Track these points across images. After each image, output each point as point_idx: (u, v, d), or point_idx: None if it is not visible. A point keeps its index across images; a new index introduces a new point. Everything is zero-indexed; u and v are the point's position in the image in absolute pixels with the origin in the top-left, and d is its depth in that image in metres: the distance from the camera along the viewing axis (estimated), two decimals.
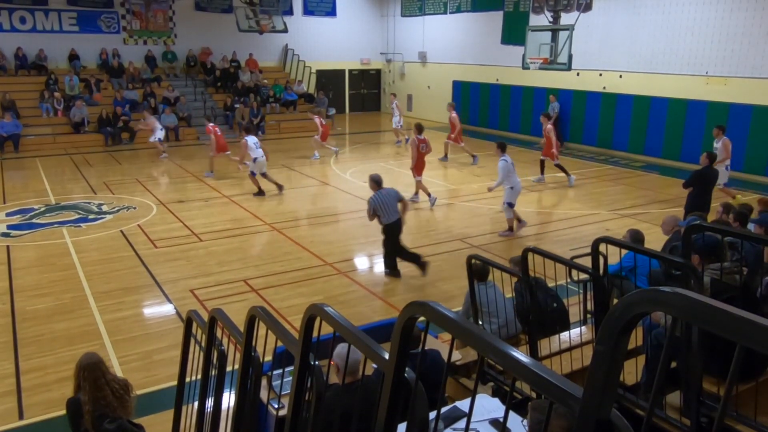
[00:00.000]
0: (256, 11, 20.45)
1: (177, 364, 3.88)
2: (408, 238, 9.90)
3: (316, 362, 2.13)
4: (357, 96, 27.53)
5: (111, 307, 7.16)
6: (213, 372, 3.11)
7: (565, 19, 17.51)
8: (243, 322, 2.66)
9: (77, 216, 10.99)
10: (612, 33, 17.28)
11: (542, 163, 13.94)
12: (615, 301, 4.76)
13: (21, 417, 5.10)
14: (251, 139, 12.52)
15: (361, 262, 9.07)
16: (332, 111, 23.14)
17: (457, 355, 4.89)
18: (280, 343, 2.31)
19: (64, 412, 4.03)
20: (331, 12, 25.49)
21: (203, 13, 22.85)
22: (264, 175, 12.59)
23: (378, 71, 27.59)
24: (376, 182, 8.39)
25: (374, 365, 3.50)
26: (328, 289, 7.80)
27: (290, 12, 24.08)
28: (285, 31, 21.87)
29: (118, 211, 11.34)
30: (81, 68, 20.69)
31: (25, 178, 14.22)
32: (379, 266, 8.91)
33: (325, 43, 25.26)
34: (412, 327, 1.55)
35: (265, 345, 2.47)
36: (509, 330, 5.33)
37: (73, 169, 15.26)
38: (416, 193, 12.24)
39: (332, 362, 3.33)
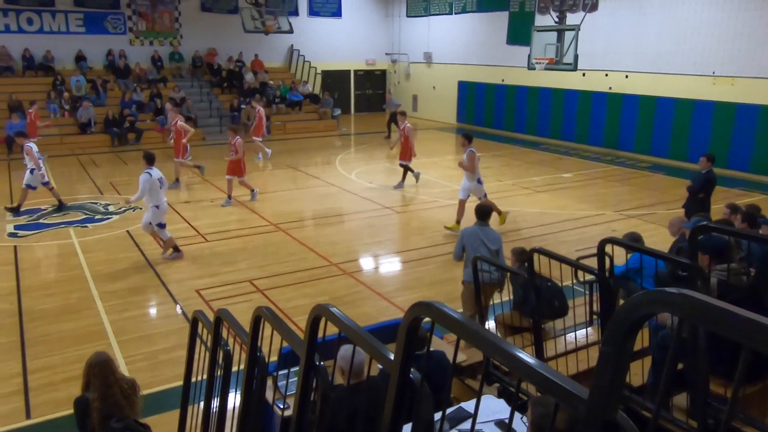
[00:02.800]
0: (262, 12, 20.51)
1: (183, 364, 3.89)
2: (413, 237, 9.91)
3: (321, 363, 2.13)
4: (362, 97, 27.54)
5: (117, 307, 7.19)
6: (219, 372, 3.12)
7: (571, 19, 17.50)
8: (248, 323, 2.67)
9: (84, 216, 11.04)
10: (618, 33, 17.23)
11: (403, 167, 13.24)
12: (621, 302, 4.75)
13: (28, 416, 5.13)
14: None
15: (366, 263, 9.07)
16: (338, 111, 23.18)
17: (462, 356, 4.88)
18: (285, 344, 2.32)
19: (70, 411, 4.05)
20: (337, 12, 25.52)
21: (209, 14, 22.92)
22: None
23: (383, 72, 27.60)
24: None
25: (380, 366, 3.50)
26: (333, 289, 7.81)
27: (296, 13, 24.12)
28: (290, 31, 21.92)
29: (124, 211, 11.38)
30: (88, 69, 20.80)
31: None
32: (384, 266, 8.92)
33: (331, 44, 25.30)
34: (417, 327, 1.55)
35: (271, 345, 2.47)
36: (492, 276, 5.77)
37: (79, 170, 15.33)
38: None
39: (338, 365, 3.33)
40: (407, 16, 25.81)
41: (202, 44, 22.97)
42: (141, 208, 11.51)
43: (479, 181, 10.13)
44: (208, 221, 10.75)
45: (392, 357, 1.61)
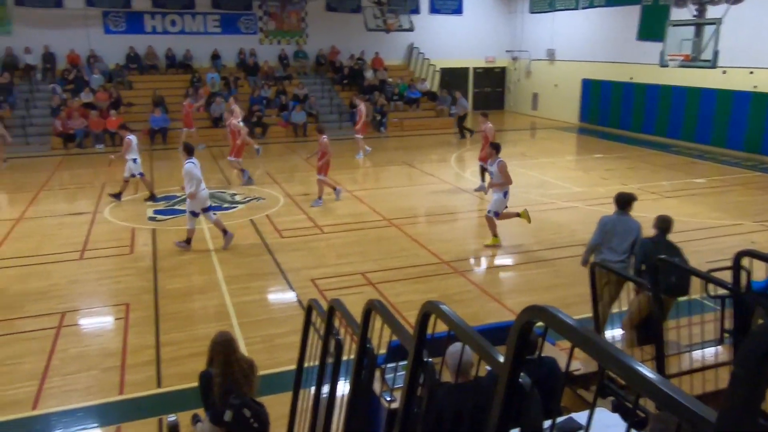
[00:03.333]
0: (384, 10, 20.83)
1: (297, 350, 4.06)
2: (527, 239, 9.65)
3: (429, 359, 2.14)
4: (480, 94, 27.21)
5: (239, 291, 7.64)
6: (329, 360, 3.23)
7: (712, 12, 16.17)
8: (360, 314, 2.73)
9: (213, 204, 11.81)
10: (765, 26, 15.70)
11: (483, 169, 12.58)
12: (759, 321, 4.34)
13: (159, 385, 5.59)
14: None
15: (477, 263, 8.97)
16: (455, 110, 23.06)
17: (576, 365, 4.69)
18: (394, 337, 2.35)
19: (195, 384, 4.37)
20: (458, 10, 25.38)
21: (334, 14, 23.66)
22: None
23: (503, 69, 27.10)
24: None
25: (488, 367, 3.45)
26: (443, 287, 7.80)
27: (417, 11, 24.28)
28: (411, 29, 22.09)
29: (249, 201, 12.06)
30: (222, 67, 22.24)
31: (171, 168, 15.51)
32: (496, 267, 8.77)
33: (450, 42, 25.22)
34: (529, 331, 1.51)
35: (381, 338, 2.52)
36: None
37: (211, 161, 16.43)
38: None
39: (445, 362, 3.33)
40: (530, 12, 25.14)
41: (326, 43, 23.76)
42: (264, 198, 12.15)
43: (505, 195, 9.24)
44: (325, 214, 11.12)
45: (502, 359, 1.58)
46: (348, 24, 23.51)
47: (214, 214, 9.51)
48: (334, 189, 12.01)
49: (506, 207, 9.39)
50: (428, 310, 2.01)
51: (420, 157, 16.99)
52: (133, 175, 12.02)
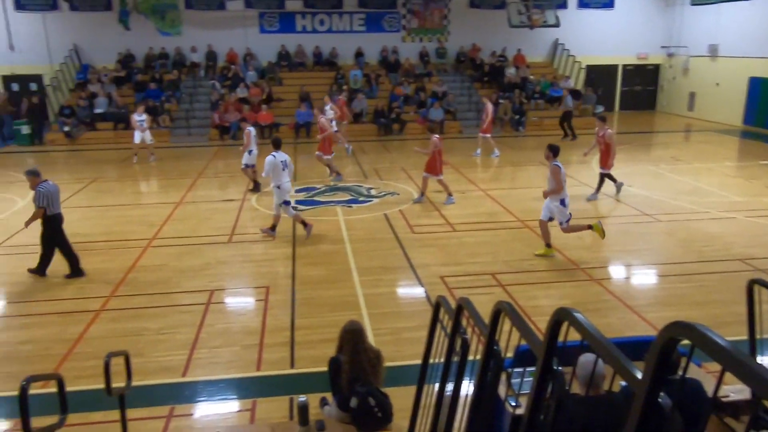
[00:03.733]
0: (529, 6, 20.30)
1: (423, 345, 4.09)
2: (675, 250, 8.95)
3: (559, 368, 2.06)
4: (629, 93, 25.63)
5: (370, 283, 7.85)
6: (455, 358, 3.21)
7: None
8: (487, 315, 2.69)
9: (350, 197, 12.25)
10: None
11: (603, 177, 12.09)
12: None
13: (292, 366, 5.91)
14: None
15: (617, 271, 8.48)
16: (600, 109, 21.92)
17: (725, 390, 4.28)
18: (523, 342, 2.28)
19: (325, 368, 4.56)
20: (609, 4, 24.08)
21: (476, 10, 23.46)
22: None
23: (656, 66, 25.30)
24: None
25: (623, 383, 3.24)
26: (578, 294, 7.47)
27: (564, 5, 23.39)
28: (557, 25, 21.33)
29: (384, 195, 12.34)
30: (364, 64, 22.93)
31: (312, 161, 16.26)
32: (638, 278, 8.23)
33: (599, 37, 23.99)
34: (672, 349, 1.39)
35: (509, 341, 2.46)
36: None
37: (350, 155, 17.01)
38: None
39: (576, 373, 3.19)
40: (692, 4, 23.19)
41: (467, 40, 23.64)
42: (398, 193, 12.37)
43: (563, 203, 8.61)
44: (457, 212, 11.08)
45: (640, 376, 1.48)
46: (490, 20, 23.19)
47: (294, 209, 9.89)
48: (421, 194, 11.77)
49: (570, 216, 8.72)
50: (561, 317, 1.93)
51: (559, 158, 16.31)
52: (247, 166, 12.75)
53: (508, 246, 9.23)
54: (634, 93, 25.68)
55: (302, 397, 4.07)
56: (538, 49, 24.15)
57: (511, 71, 22.69)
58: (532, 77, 22.65)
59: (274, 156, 9.46)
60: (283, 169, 9.49)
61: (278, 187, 9.48)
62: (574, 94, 22.34)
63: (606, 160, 11.86)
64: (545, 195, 8.76)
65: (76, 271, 8.18)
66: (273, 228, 9.78)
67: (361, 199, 12.14)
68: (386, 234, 9.89)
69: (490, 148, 16.53)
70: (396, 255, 8.92)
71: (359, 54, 23.10)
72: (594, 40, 23.98)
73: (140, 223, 10.66)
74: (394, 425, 4.27)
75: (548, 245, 8.80)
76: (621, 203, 11.54)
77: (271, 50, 22.81)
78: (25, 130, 19.43)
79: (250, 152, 12.69)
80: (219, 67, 22.44)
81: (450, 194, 11.65)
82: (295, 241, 9.55)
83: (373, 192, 12.68)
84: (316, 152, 14.04)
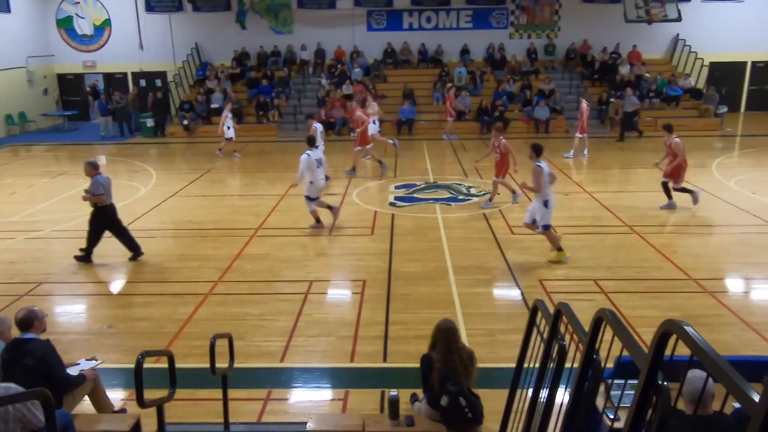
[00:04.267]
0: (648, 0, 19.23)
1: (517, 348, 3.99)
2: None
3: (665, 383, 1.93)
4: (758, 93, 23.62)
5: (466, 282, 7.77)
6: (551, 365, 3.11)
7: None
8: (587, 322, 2.58)
9: (449, 195, 12.19)
10: None
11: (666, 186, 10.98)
12: None
13: (384, 360, 5.98)
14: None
15: (734, 284, 7.85)
16: (724, 109, 20.38)
17: None
18: (625, 353, 2.17)
19: (416, 365, 4.57)
20: None
21: (589, 5, 22.52)
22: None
23: None
24: None
25: (735, 405, 3.00)
26: (688, 306, 6.99)
27: None
28: (678, 19, 20.09)
29: (483, 194, 12.16)
30: (469, 61, 22.70)
31: (413, 158, 16.36)
32: (758, 293, 7.59)
33: (725, 32, 22.25)
34: None
35: (609, 351, 2.35)
36: None
37: (451, 153, 16.94)
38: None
39: (684, 389, 2.99)
40: None
41: (578, 36, 22.77)
42: (499, 193, 12.15)
43: (546, 204, 8.23)
44: (560, 214, 10.67)
45: (757, 399, 1.36)
46: (605, 15, 22.20)
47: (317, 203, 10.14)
48: (513, 192, 11.52)
49: (548, 224, 8.42)
50: (669, 329, 1.81)
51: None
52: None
53: (613, 251, 8.81)
54: (763, 92, 23.64)
55: (393, 392, 4.10)
56: (655, 45, 22.80)
57: (626, 69, 21.59)
58: (647, 75, 21.43)
59: (309, 154, 9.76)
60: (318, 167, 9.82)
61: (311, 183, 9.82)
62: (694, 93, 20.91)
63: (674, 171, 10.77)
64: (523, 187, 8.89)
65: (136, 252, 8.74)
66: (318, 221, 10.14)
67: (460, 197, 12.04)
68: (484, 234, 9.75)
69: (582, 149, 15.91)
70: (494, 255, 8.77)
71: (465, 51, 22.90)
72: (720, 34, 22.29)
73: (248, 213, 11.19)
74: (484, 427, 4.20)
75: (559, 249, 8.41)
76: (743, 212, 10.67)
77: (377, 48, 23.15)
78: (150, 123, 20.99)
79: (317, 148, 12.98)
80: (326, 65, 23.06)
81: (491, 199, 11.46)
82: (393, 237, 9.64)
83: (472, 191, 12.54)
84: (355, 147, 14.13)
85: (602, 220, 10.37)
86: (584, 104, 16.15)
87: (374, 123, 15.60)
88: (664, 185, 10.93)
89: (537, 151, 8.40)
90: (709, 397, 3.12)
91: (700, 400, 2.69)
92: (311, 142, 10.20)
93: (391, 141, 15.87)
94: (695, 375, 3.02)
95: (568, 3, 22.72)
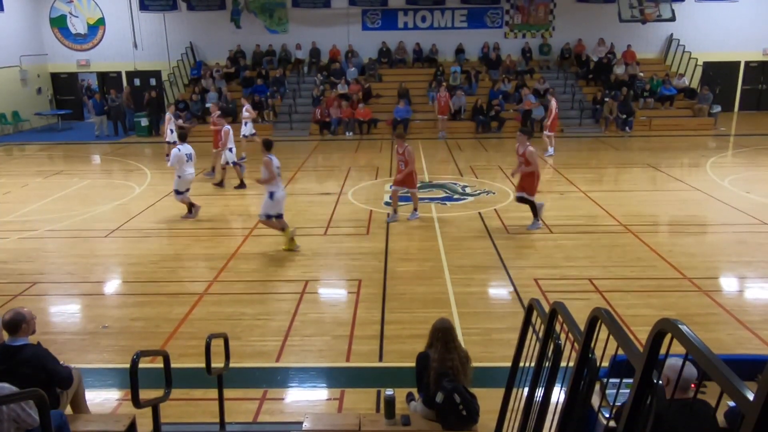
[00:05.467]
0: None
1: (513, 347, 4.00)
2: None
3: (660, 381, 1.94)
4: (752, 92, 23.75)
5: (461, 281, 7.78)
6: (546, 364, 3.12)
7: None
8: (582, 321, 2.59)
9: (444, 194, 12.20)
10: None
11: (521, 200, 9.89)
12: None
13: (380, 359, 5.98)
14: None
15: (728, 284, 7.89)
16: (717, 108, 20.46)
17: None
18: (620, 352, 2.18)
19: (412, 364, 4.57)
20: None
21: (584, 5, 22.59)
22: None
23: None
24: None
25: (730, 403, 3.02)
26: (683, 305, 7.02)
27: None
28: (672, 19, 20.16)
29: (479, 194, 12.18)
30: (464, 61, 22.72)
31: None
32: (753, 292, 7.62)
33: (719, 32, 22.36)
34: None
35: (604, 350, 2.35)
36: None
37: (446, 152, 16.95)
38: None
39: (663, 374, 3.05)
40: None
41: (573, 35, 22.83)
42: (494, 192, 12.17)
43: (271, 196, 8.68)
44: (555, 213, 10.74)
45: (751, 397, 1.36)
46: (599, 15, 22.27)
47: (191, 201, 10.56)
48: (395, 211, 10.39)
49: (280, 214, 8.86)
50: (663, 328, 1.82)
51: (668, 160, 15.45)
52: (228, 163, 12.94)
53: (608, 251, 8.84)
54: (758, 92, 23.75)
55: (389, 391, 4.11)
56: (649, 45, 22.89)
57: (621, 69, 21.65)
58: (641, 74, 21.50)
59: (179, 149, 10.29)
60: (187, 161, 10.30)
61: (179, 177, 10.31)
62: (688, 93, 20.99)
63: (527, 182, 9.64)
64: (260, 183, 9.01)
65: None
66: (190, 211, 10.69)
67: (455, 196, 12.05)
68: (480, 233, 9.77)
69: (546, 146, 16.10)
70: (489, 254, 8.78)
71: (460, 50, 22.92)
72: (713, 34, 22.39)
73: (242, 212, 11.18)
74: (479, 426, 4.21)
75: (283, 230, 8.98)
76: (738, 211, 10.72)
77: (372, 47, 23.14)
78: (144, 122, 20.93)
79: (231, 150, 12.94)
80: (321, 64, 23.03)
81: (415, 208, 10.50)
82: (388, 237, 9.64)
83: (468, 190, 12.55)
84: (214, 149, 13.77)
85: (597, 219, 10.40)
86: (553, 103, 16.31)
87: (246, 125, 15.93)
88: (520, 200, 9.81)
89: (267, 145, 8.87)
90: (689, 382, 3.27)
91: (677, 383, 2.72)
92: (182, 138, 10.48)
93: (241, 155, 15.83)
94: (675, 361, 3.07)
95: (562, 3, 22.77)
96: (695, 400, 2.64)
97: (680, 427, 2.58)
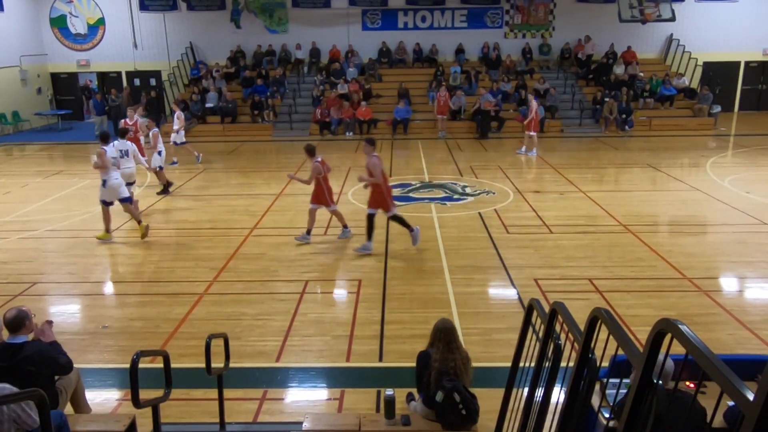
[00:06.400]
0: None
1: (513, 347, 4.00)
2: None
3: (660, 381, 1.94)
4: (752, 92, 23.74)
5: (461, 281, 7.78)
6: (546, 364, 3.12)
7: None
8: (582, 321, 2.59)
9: (444, 194, 12.20)
10: None
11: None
12: None
13: (380, 359, 5.98)
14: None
15: (728, 284, 7.89)
16: (717, 108, 20.46)
17: None
18: (620, 352, 2.18)
19: (412, 364, 4.57)
20: None
21: (584, 5, 22.59)
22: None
23: None
24: None
25: (730, 403, 3.03)
26: (682, 305, 7.02)
27: None
28: (672, 19, 20.16)
29: (479, 194, 12.18)
30: (464, 61, 22.72)
31: (408, 157, 16.37)
32: (753, 292, 7.62)
33: (719, 32, 22.37)
34: None
35: (604, 350, 2.35)
36: None
37: (446, 152, 16.95)
38: None
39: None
40: None
41: (573, 35, 22.83)
42: (494, 192, 12.17)
43: (104, 184, 9.42)
44: (555, 213, 10.75)
45: (751, 397, 1.37)
46: (599, 15, 22.27)
47: (131, 203, 10.03)
48: (308, 231, 9.40)
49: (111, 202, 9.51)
50: (663, 328, 1.82)
51: (668, 160, 15.46)
52: (160, 168, 12.60)
53: (608, 251, 8.84)
54: (757, 92, 23.76)
55: (389, 391, 4.10)
56: (649, 45, 22.89)
57: (620, 69, 21.64)
58: (641, 74, 21.50)
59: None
60: (122, 158, 10.25)
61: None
62: (688, 93, 20.99)
63: (377, 199, 8.86)
64: (95, 166, 9.48)
65: None
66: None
67: (455, 196, 12.05)
68: (480, 233, 9.76)
69: (531, 147, 16.21)
70: (489, 255, 8.78)
71: (460, 50, 22.92)
72: (713, 34, 22.40)
73: (243, 212, 11.17)
74: (479, 426, 4.21)
75: (107, 230, 9.58)
76: (738, 211, 10.72)
77: (372, 47, 23.14)
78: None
79: (159, 153, 12.66)
80: (321, 64, 23.02)
81: (345, 226, 9.59)
82: (388, 237, 9.64)
83: (468, 190, 12.55)
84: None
85: (597, 220, 10.40)
86: (534, 103, 16.39)
87: (178, 133, 15.70)
88: (371, 218, 8.85)
89: (103, 138, 9.73)
90: (668, 373, 3.44)
91: (661, 372, 2.73)
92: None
93: (196, 153, 15.86)
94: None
95: (562, 3, 22.77)
96: (676, 389, 2.65)
97: (664, 415, 2.59)
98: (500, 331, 6.40)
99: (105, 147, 9.52)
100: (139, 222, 9.69)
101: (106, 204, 9.61)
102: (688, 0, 22.19)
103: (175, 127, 15.62)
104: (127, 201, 9.74)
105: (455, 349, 4.23)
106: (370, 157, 8.83)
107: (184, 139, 15.89)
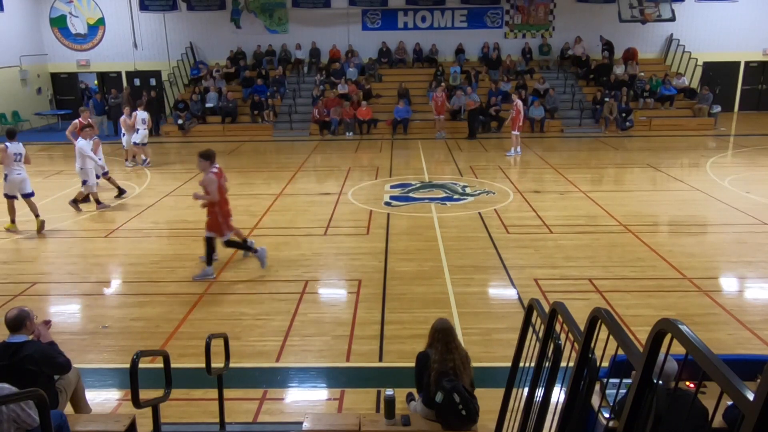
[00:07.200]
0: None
1: (513, 347, 4.00)
2: None
3: (660, 381, 1.94)
4: (752, 92, 23.75)
5: (461, 281, 7.78)
6: (546, 364, 3.12)
7: None
8: (582, 321, 2.59)
9: (444, 194, 12.20)
10: None
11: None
12: None
13: (380, 359, 5.98)
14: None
15: (728, 284, 7.89)
16: (717, 108, 20.47)
17: None
18: (620, 352, 2.18)
19: (412, 364, 4.57)
20: None
21: (584, 5, 22.60)
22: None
23: None
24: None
25: (729, 402, 3.02)
26: (682, 305, 7.02)
27: None
28: (672, 19, 20.16)
29: (479, 194, 12.18)
30: (464, 61, 22.72)
31: (408, 157, 16.37)
32: (753, 292, 7.62)
33: (719, 32, 22.38)
34: None
35: (604, 350, 2.35)
36: None
37: (446, 152, 16.95)
38: None
39: None
40: None
41: (573, 35, 22.83)
42: (494, 192, 12.17)
43: (5, 178, 10.06)
44: (555, 213, 10.75)
45: (751, 397, 1.37)
46: (599, 15, 22.29)
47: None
48: (246, 242, 8.54)
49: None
50: (663, 328, 1.82)
51: (668, 160, 15.45)
52: (105, 174, 12.29)
53: (608, 251, 8.84)
54: (757, 92, 23.76)
55: (389, 391, 4.10)
56: (649, 45, 22.90)
57: (619, 69, 21.65)
58: (641, 74, 21.50)
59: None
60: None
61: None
62: (688, 93, 20.99)
63: (213, 222, 8.09)
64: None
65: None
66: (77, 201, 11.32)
67: (455, 196, 12.05)
68: (480, 233, 9.76)
69: (515, 146, 16.24)
70: (489, 254, 8.78)
71: (460, 51, 22.92)
72: (713, 35, 22.41)
73: (243, 212, 11.16)
74: (479, 426, 4.21)
75: (12, 222, 10.15)
76: (738, 211, 10.71)
77: (372, 47, 23.15)
78: None
79: (99, 160, 11.91)
80: (321, 64, 23.03)
81: (253, 247, 8.42)
82: (388, 237, 9.64)
83: (468, 190, 12.55)
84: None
85: (597, 220, 10.40)
86: (518, 102, 16.48)
87: (138, 132, 15.24)
88: (228, 244, 8.21)
89: (10, 134, 10.12)
90: (670, 374, 3.39)
91: (661, 372, 2.73)
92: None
93: (145, 158, 15.66)
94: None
95: (562, 3, 22.78)
96: (677, 389, 2.65)
97: (664, 415, 2.59)
98: (500, 331, 6.40)
99: (8, 143, 9.97)
100: (37, 216, 10.16)
101: (8, 197, 10.10)
102: (688, 0, 22.20)
103: (138, 126, 15.23)
104: (30, 196, 10.18)
105: (454, 349, 4.23)
106: (207, 173, 7.88)
107: (146, 141, 15.65)
